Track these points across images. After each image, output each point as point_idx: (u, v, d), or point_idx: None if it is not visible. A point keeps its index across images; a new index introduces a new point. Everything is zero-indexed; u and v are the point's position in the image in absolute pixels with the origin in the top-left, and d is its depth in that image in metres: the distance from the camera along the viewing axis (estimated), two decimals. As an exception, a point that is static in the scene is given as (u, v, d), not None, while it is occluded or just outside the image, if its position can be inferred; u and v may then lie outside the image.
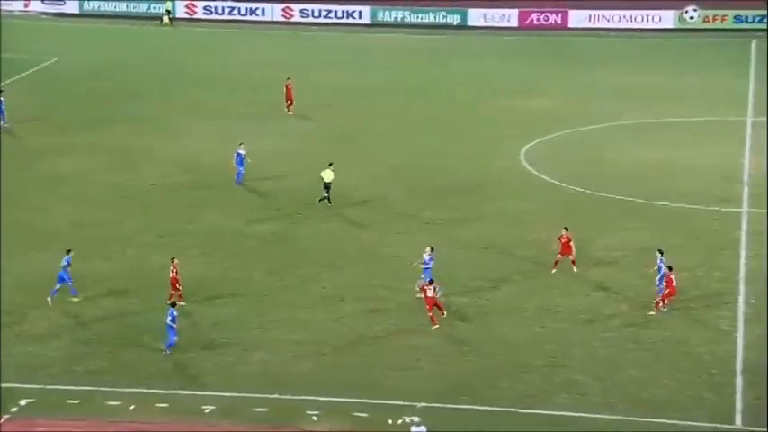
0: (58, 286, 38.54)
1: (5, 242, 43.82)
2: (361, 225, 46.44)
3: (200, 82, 72.02)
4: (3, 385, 33.01)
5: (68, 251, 39.04)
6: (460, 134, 60.28)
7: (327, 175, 48.47)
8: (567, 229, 41.73)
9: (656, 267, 38.79)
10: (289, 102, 63.47)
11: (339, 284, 40.51)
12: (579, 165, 54.90)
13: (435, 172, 53.12)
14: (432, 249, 39.60)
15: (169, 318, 34.76)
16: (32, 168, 53.02)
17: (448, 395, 32.81)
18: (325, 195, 48.39)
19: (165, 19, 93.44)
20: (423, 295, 37.64)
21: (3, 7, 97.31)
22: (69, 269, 38.48)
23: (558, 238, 41.45)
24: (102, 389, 32.95)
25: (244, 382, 33.57)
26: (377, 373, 34.07)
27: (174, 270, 38.11)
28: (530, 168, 54.22)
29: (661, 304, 38.04)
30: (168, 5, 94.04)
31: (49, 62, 77.28)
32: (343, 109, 65.32)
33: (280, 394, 32.81)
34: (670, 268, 38.26)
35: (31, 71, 74.36)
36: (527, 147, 57.59)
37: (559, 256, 41.38)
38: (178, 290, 38.18)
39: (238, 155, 50.77)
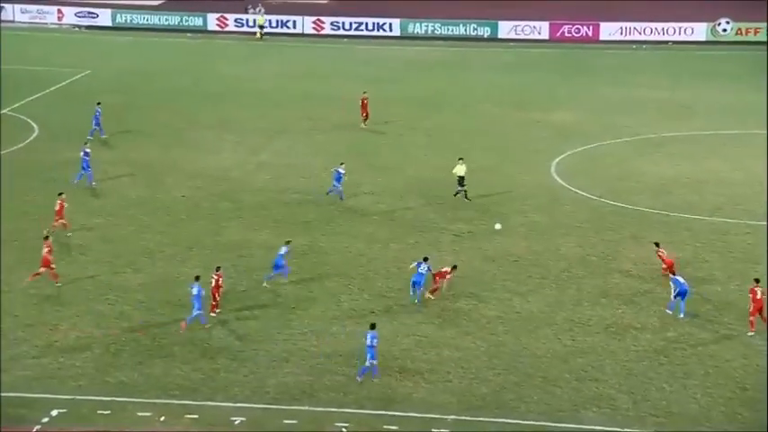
0: (273, 273, 40.89)
1: (33, 255, 44.12)
2: (390, 238, 46.42)
3: (228, 95, 72.27)
4: (36, 395, 33.30)
5: (288, 242, 42.10)
6: (490, 146, 60.22)
7: (459, 170, 50.22)
8: (657, 244, 42.67)
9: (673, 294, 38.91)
10: (364, 115, 63.68)
11: (369, 297, 40.54)
12: (610, 178, 54.76)
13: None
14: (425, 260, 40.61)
15: (370, 339, 34.28)
16: (60, 181, 53.32)
17: (478, 408, 32.75)
18: (460, 189, 50.25)
19: (258, 33, 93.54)
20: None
21: (36, 20, 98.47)
22: (286, 258, 41.17)
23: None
24: (132, 400, 33.12)
25: (273, 393, 33.64)
26: (407, 386, 34.04)
27: (218, 279, 38.63)
28: (561, 181, 54.11)
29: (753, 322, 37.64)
30: (261, 20, 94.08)
31: (81, 75, 77.90)
32: (372, 121, 65.30)
33: (309, 406, 32.86)
34: (757, 281, 38.29)
35: (62, 84, 74.99)
36: (558, 159, 57.51)
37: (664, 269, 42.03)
38: (216, 299, 38.60)
39: (337, 172, 50.74)
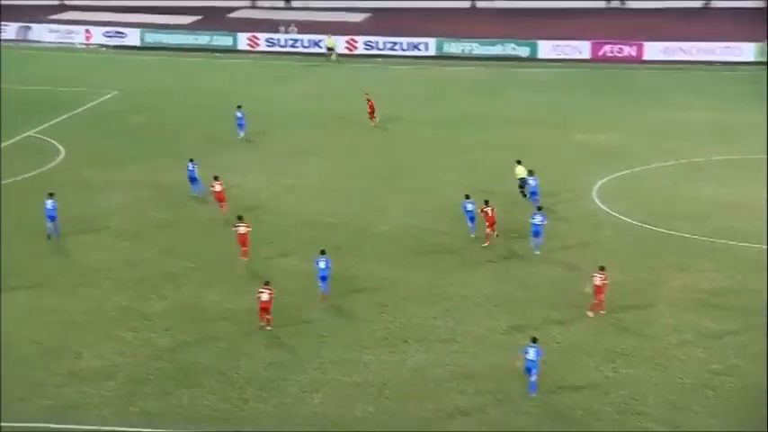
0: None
1: (56, 279, 44.42)
2: (422, 263, 46.26)
3: (257, 115, 71.81)
4: (58, 426, 33.48)
5: (467, 195, 48.72)
6: (528, 169, 59.78)
7: (520, 171, 54.08)
8: (487, 202, 48.35)
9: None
10: (371, 112, 69.09)
11: (401, 325, 40.39)
12: (652, 203, 54.35)
13: (501, 211, 52.65)
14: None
15: (535, 354, 34.73)
16: (84, 203, 53.61)
17: (514, 442, 32.51)
18: (521, 190, 54.06)
19: (334, 56, 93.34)
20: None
21: (64, 40, 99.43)
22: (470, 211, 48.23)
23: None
24: (157, 430, 33.13)
25: (302, 425, 33.54)
26: (440, 419, 33.84)
27: (270, 293, 39.35)
28: (602, 206, 53.80)
29: None
30: (330, 42, 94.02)
31: (109, 96, 78.47)
32: (404, 142, 65.37)
33: (339, 438, 32.77)
34: None
35: (89, 105, 75.54)
36: (599, 183, 57.17)
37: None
38: (269, 313, 39.47)
39: (533, 182, 52.85)
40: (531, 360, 34.71)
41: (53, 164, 60.93)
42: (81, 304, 42.09)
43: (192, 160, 55.53)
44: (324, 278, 42.25)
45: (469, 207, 48.35)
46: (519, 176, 54.07)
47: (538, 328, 39.72)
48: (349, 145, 65.55)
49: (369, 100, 69.51)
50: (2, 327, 39.97)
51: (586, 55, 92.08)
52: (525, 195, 53.76)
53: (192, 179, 55.06)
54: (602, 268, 41.10)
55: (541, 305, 41.97)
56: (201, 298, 42.74)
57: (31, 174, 58.54)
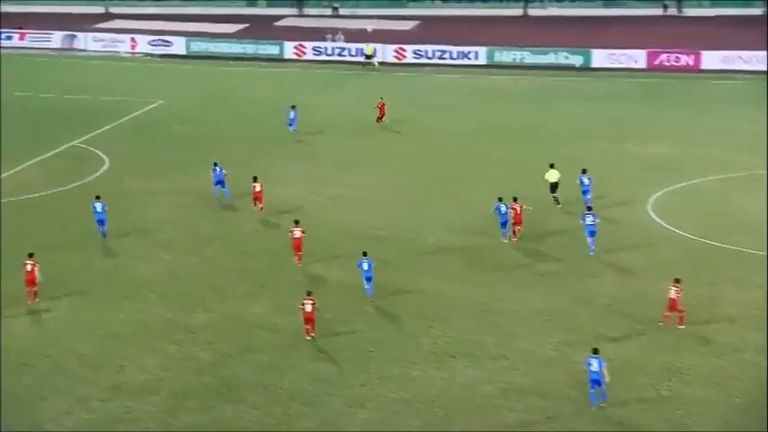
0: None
1: (100, 290, 44.82)
2: (470, 276, 46.20)
3: (302, 125, 72.37)
4: (98, 439, 33.82)
5: (500, 198, 49.77)
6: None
7: (552, 176, 54.45)
8: (515, 199, 49.99)
9: None
10: (380, 117, 72.28)
11: (449, 340, 40.33)
12: (711, 216, 53.87)
13: (550, 220, 52.57)
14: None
15: (598, 365, 35.01)
16: (128, 213, 54.05)
17: (565, 461, 32.34)
18: (554, 196, 54.34)
19: (375, 63, 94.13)
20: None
21: (109, 49, 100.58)
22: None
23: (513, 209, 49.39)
24: (199, 445, 33.37)
25: (347, 441, 33.63)
26: (486, 436, 33.79)
27: (314, 303, 39.69)
28: (658, 219, 53.44)
29: None
30: (369, 50, 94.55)
31: (154, 105, 79.20)
32: (451, 152, 65.40)
33: (385, 455, 32.77)
34: None
35: (134, 114, 76.27)
36: (655, 196, 56.81)
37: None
38: (313, 324, 39.84)
39: (585, 182, 53.50)
40: (595, 371, 34.76)
41: (97, 174, 61.54)
42: (124, 316, 42.44)
43: (215, 164, 56.04)
44: (369, 279, 43.16)
45: (503, 209, 49.39)
46: (550, 180, 54.57)
47: (590, 344, 39.43)
48: (395, 154, 65.66)
49: (383, 104, 72.24)
50: (45, 338, 40.46)
51: (642, 64, 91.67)
52: (558, 201, 54.29)
53: (220, 182, 55.76)
54: (677, 280, 40.88)
55: (593, 320, 41.76)
56: (246, 310, 42.93)
57: (76, 184, 59.20)
